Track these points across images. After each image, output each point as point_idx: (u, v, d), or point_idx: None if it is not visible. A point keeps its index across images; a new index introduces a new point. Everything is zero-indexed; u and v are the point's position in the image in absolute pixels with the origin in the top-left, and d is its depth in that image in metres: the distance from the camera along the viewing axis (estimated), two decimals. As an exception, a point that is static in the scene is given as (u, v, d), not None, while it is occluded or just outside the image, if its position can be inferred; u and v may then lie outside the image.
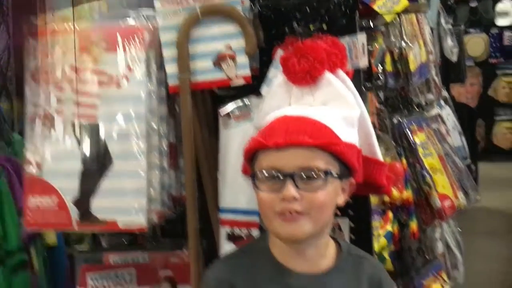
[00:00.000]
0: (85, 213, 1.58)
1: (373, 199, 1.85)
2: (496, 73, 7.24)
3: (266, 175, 1.27)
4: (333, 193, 1.29)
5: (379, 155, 1.42)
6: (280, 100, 1.36)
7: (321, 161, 1.26)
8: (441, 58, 3.39)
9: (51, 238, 2.49)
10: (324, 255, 1.34)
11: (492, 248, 4.64)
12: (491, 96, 7.20)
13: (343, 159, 1.29)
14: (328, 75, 1.35)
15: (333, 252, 1.36)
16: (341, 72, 1.39)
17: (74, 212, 1.59)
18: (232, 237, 1.61)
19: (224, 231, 1.64)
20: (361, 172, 1.35)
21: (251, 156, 1.31)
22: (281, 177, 1.25)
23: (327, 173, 1.26)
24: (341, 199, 1.33)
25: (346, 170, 1.31)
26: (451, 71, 4.15)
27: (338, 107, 1.33)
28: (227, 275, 1.32)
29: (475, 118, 6.30)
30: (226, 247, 1.63)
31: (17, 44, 1.51)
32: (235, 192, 1.60)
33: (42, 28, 1.54)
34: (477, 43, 6.93)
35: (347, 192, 1.34)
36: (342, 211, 1.63)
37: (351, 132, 1.34)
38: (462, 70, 4.49)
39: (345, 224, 1.63)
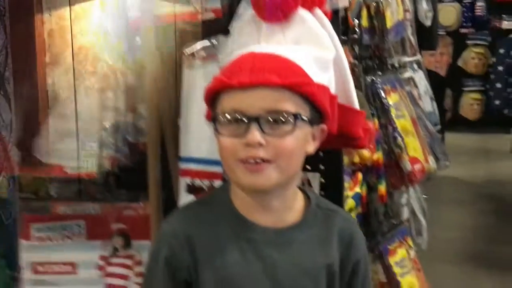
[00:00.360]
0: (28, 156, 1.44)
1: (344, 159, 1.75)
2: (467, 44, 7.23)
3: (229, 117, 1.14)
4: (302, 140, 1.17)
5: (356, 103, 1.30)
6: (247, 37, 1.23)
7: (290, 104, 1.13)
8: (415, 23, 3.31)
9: (1, 190, 2.35)
10: (291, 208, 1.23)
11: (455, 217, 4.69)
12: (459, 67, 7.19)
13: (315, 102, 1.16)
14: (302, 12, 1.22)
15: (301, 205, 1.25)
16: (318, 11, 1.26)
17: (15, 155, 1.45)
18: (192, 189, 1.48)
19: (184, 182, 1.51)
20: (336, 122, 1.23)
21: (213, 97, 1.18)
22: (245, 121, 1.12)
23: (296, 117, 1.14)
24: (311, 147, 1.21)
25: (317, 115, 1.19)
26: (423, 37, 4.08)
27: (311, 47, 1.21)
28: (184, 227, 1.21)
29: (444, 87, 6.28)
30: (186, 200, 1.51)
31: (14, 44, 1.45)
32: (198, 140, 1.47)
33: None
34: (449, 12, 6.87)
35: (318, 140, 1.22)
36: (312, 165, 1.53)
37: (324, 76, 1.22)
38: (435, 36, 4.42)
39: (315, 179, 1.52)
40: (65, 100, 1.46)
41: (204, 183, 1.47)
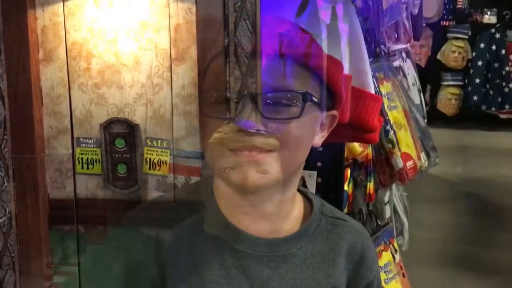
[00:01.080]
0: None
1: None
2: (447, 37, 7.11)
3: (216, 96, 0.90)
4: (310, 127, 0.93)
5: (371, 87, 1.06)
6: None
7: (297, 80, 0.90)
8: (400, 11, 3.14)
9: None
10: (289, 214, 1.00)
11: (432, 216, 4.61)
12: (438, 60, 7.07)
13: (328, 79, 0.93)
14: None
15: (301, 211, 1.01)
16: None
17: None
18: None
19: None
20: (348, 108, 0.99)
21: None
22: (239, 100, 0.88)
23: (305, 97, 0.90)
24: (319, 139, 0.97)
25: (329, 98, 0.95)
26: (408, 27, 3.93)
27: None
28: (151, 230, 0.97)
29: (426, 80, 6.18)
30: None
31: (7, 40, 1.41)
32: (175, 126, 1.21)
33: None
34: (430, 3, 6.72)
35: (326, 130, 0.98)
36: (309, 162, 1.29)
37: (337, 50, 0.97)
38: (419, 26, 4.28)
39: (312, 179, 1.27)
40: (59, 96, 1.34)
41: (178, 180, 1.20)
